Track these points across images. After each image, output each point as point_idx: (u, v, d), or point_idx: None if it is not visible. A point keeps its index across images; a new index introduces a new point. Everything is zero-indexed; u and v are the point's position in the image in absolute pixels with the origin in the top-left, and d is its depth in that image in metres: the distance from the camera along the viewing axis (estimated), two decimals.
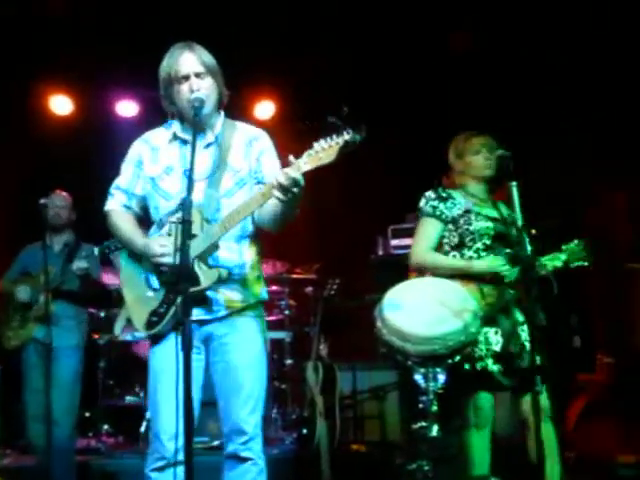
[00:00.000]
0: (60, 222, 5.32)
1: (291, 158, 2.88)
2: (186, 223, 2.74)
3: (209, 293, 3.16)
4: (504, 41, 6.59)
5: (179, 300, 3.04)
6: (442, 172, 6.79)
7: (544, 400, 3.71)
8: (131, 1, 6.65)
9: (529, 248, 3.42)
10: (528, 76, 6.53)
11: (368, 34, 6.97)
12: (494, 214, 3.88)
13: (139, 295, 3.26)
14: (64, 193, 5.42)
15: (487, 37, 6.66)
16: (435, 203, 3.95)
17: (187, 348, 2.68)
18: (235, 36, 6.96)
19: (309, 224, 8.04)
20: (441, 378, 3.38)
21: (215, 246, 3.10)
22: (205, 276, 3.07)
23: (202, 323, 3.20)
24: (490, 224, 3.84)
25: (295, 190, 2.87)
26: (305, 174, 2.86)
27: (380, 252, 7.40)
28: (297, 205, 3.01)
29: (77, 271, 4.99)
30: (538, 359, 3.65)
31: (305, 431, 5.62)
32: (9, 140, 7.14)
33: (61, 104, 7.51)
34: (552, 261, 3.76)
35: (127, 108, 7.49)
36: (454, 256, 3.89)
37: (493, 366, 3.69)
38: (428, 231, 3.95)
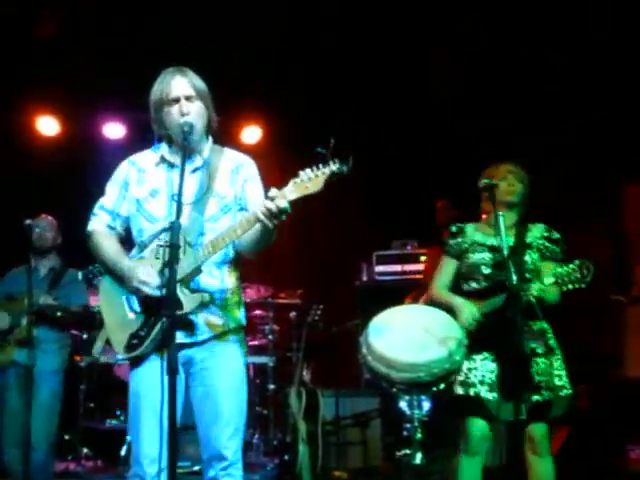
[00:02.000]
0: (45, 245, 5.28)
1: (274, 190, 2.90)
2: (174, 247, 2.75)
3: (192, 317, 3.15)
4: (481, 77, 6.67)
5: (159, 324, 3.04)
6: (428, 198, 6.92)
7: (542, 434, 3.73)
8: (119, 25, 6.68)
9: (514, 277, 3.42)
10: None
11: (354, 59, 7.04)
12: (508, 242, 3.85)
13: (120, 317, 3.23)
14: (49, 217, 5.39)
15: (465, 67, 6.73)
16: (448, 239, 4.05)
17: (172, 372, 2.68)
18: (222, 61, 7.01)
19: (294, 249, 8.08)
20: (426, 406, 3.38)
21: (198, 270, 3.10)
22: (187, 301, 3.06)
23: (182, 347, 3.17)
24: (488, 255, 3.87)
25: (282, 218, 2.90)
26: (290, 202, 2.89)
27: (364, 278, 7.42)
28: (275, 233, 3.04)
29: (42, 306, 4.97)
30: (544, 392, 3.70)
31: (287, 457, 5.59)
32: None
33: (48, 125, 7.51)
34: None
35: (114, 130, 7.50)
36: (463, 288, 3.94)
37: (487, 394, 3.69)
38: (442, 268, 4.07)
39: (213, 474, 3.16)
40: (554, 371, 3.77)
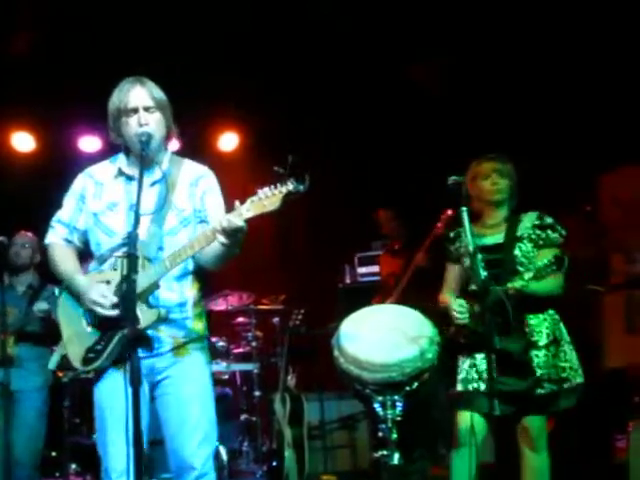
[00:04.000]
0: (20, 262, 5.24)
1: (237, 204, 2.90)
2: (132, 257, 2.73)
3: (150, 332, 3.11)
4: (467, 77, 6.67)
5: (116, 337, 3.03)
6: (406, 200, 6.92)
7: (538, 429, 3.72)
8: (91, 38, 6.66)
9: (483, 273, 3.41)
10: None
11: (332, 65, 7.03)
12: (493, 241, 3.85)
13: (77, 331, 3.20)
14: (29, 234, 5.34)
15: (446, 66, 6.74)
16: (447, 245, 4.04)
17: (135, 384, 2.66)
18: (199, 69, 7.00)
19: (275, 255, 8.07)
20: (399, 405, 3.36)
21: (156, 285, 3.07)
22: (144, 316, 3.02)
23: (141, 358, 3.14)
24: (478, 256, 3.82)
25: (238, 236, 2.90)
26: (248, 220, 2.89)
27: (347, 280, 7.42)
28: (239, 245, 3.01)
29: (37, 312, 4.93)
30: (546, 385, 3.68)
31: (275, 463, 5.56)
32: None
33: (23, 141, 7.48)
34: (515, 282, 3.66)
35: (90, 143, 7.46)
36: (466, 291, 3.90)
37: (486, 389, 3.62)
38: (445, 274, 4.06)
39: None
40: (559, 362, 3.73)
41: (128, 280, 2.72)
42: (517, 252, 3.78)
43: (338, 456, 6.01)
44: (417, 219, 6.58)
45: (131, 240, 2.78)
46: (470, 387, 3.70)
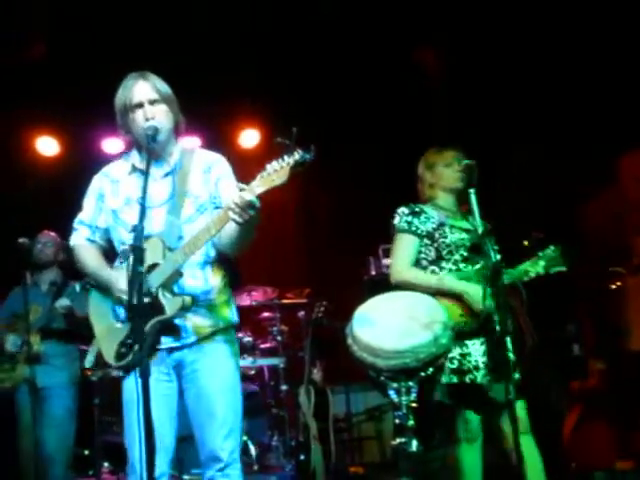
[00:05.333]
0: (45, 259, 5.32)
1: (242, 185, 2.92)
2: (137, 250, 2.75)
3: (177, 321, 3.15)
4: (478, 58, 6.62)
5: (146, 329, 3.04)
6: None
7: (521, 413, 3.68)
8: (111, 38, 6.72)
9: (495, 256, 3.39)
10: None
11: (349, 56, 7.02)
12: (467, 225, 3.87)
13: (108, 327, 3.28)
14: (52, 233, 5.42)
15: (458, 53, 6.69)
16: (409, 218, 3.94)
17: (144, 375, 2.69)
18: (219, 65, 7.03)
19: (299, 249, 8.08)
20: (414, 392, 3.34)
21: (179, 273, 3.11)
22: (169, 305, 3.07)
23: (171, 350, 3.20)
24: (465, 235, 3.84)
25: (251, 212, 2.90)
26: (261, 197, 2.89)
27: (372, 272, 7.39)
28: (253, 227, 3.04)
29: (60, 309, 4.99)
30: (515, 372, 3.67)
31: (302, 457, 5.58)
32: None
33: (47, 145, 7.57)
34: (533, 267, 3.73)
35: (113, 145, 7.51)
36: (432, 270, 3.88)
37: (483, 379, 3.68)
38: (405, 247, 3.95)
39: (210, 475, 3.19)
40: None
41: (135, 273, 2.74)
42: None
43: (365, 448, 6.02)
44: None
45: (136, 233, 2.80)
46: (467, 379, 3.69)
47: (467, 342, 3.71)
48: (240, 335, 6.62)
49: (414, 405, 3.35)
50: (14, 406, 5.21)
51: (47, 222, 5.65)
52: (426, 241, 3.90)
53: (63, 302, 4.98)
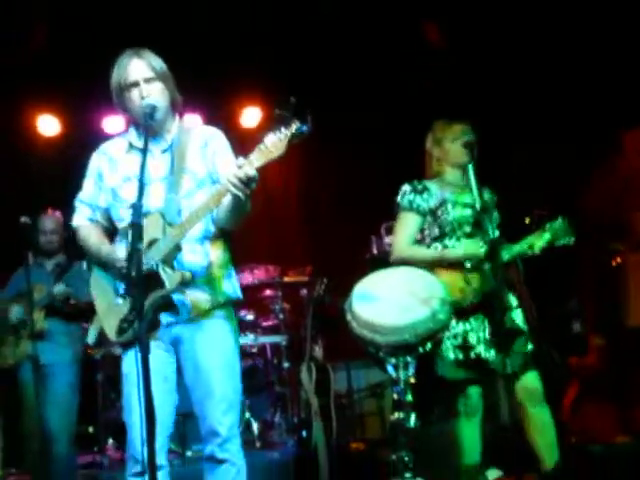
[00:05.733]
0: (52, 249, 5.33)
1: (241, 158, 2.92)
2: (136, 227, 2.77)
3: (176, 296, 3.18)
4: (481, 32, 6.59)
5: (147, 304, 3.06)
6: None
7: (535, 384, 3.73)
8: (111, 17, 6.70)
9: (494, 232, 3.40)
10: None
11: (353, 33, 7.00)
12: (471, 201, 3.84)
13: (109, 304, 3.30)
14: (56, 213, 5.39)
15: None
16: (411, 197, 3.96)
17: (144, 351, 2.71)
18: (219, 44, 7.02)
19: (301, 227, 8.09)
20: (412, 367, 3.37)
21: (178, 248, 3.12)
22: (169, 279, 3.09)
23: (169, 325, 3.23)
24: (468, 211, 3.83)
25: (252, 186, 2.91)
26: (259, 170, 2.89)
27: (375, 250, 7.39)
28: (249, 200, 3.04)
29: (57, 296, 5.02)
30: (528, 344, 3.70)
31: (304, 433, 5.61)
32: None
33: (48, 124, 7.57)
34: (538, 240, 3.74)
35: (114, 124, 7.50)
36: (436, 247, 3.90)
37: (486, 353, 3.70)
38: (407, 225, 3.97)
39: (210, 450, 3.22)
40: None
41: (134, 249, 2.75)
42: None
43: (367, 424, 6.06)
44: None
45: (135, 210, 2.81)
46: (472, 354, 3.72)
47: (470, 318, 3.73)
48: (242, 313, 6.66)
49: (412, 380, 3.38)
50: (17, 382, 5.25)
51: (49, 201, 5.66)
52: (429, 219, 3.93)
53: (59, 288, 5.01)
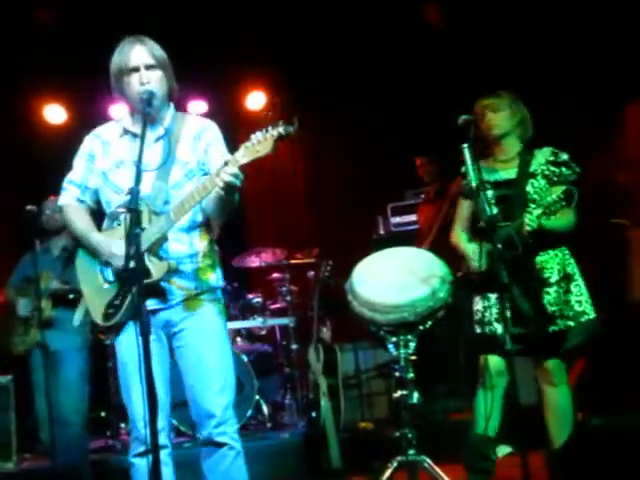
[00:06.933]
0: (54, 225, 5.36)
1: (228, 155, 3.00)
2: (133, 212, 2.80)
3: (163, 284, 3.20)
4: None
5: (134, 290, 3.09)
6: (439, 149, 6.84)
7: (555, 366, 3.75)
8: (117, 4, 6.71)
9: (493, 210, 3.39)
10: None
11: (355, 13, 6.98)
12: (505, 176, 3.86)
13: (96, 288, 3.31)
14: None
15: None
16: (461, 182, 3.97)
17: (145, 334, 2.74)
18: (225, 28, 7.02)
19: (308, 210, 8.12)
20: (412, 345, 3.39)
21: (164, 238, 3.16)
22: (156, 268, 3.12)
23: (157, 312, 3.25)
24: (490, 192, 3.77)
25: (237, 182, 2.96)
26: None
27: (381, 231, 7.42)
28: (236, 194, 3.10)
29: (57, 291, 5.07)
30: (559, 321, 3.70)
31: (314, 414, 5.66)
32: (5, 150, 7.27)
33: (55, 113, 7.61)
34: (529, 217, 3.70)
35: (119, 112, 7.48)
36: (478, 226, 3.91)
37: (502, 331, 3.67)
38: (458, 212, 4.07)
39: (207, 433, 3.23)
40: (571, 298, 3.74)
41: (131, 234, 2.79)
42: (529, 188, 3.77)
43: (375, 404, 6.09)
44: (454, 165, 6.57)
45: (132, 195, 2.84)
46: (487, 330, 3.74)
47: (490, 295, 3.75)
48: (250, 296, 6.71)
49: (413, 358, 3.42)
50: (29, 369, 5.32)
51: (55, 189, 5.70)
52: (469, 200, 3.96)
53: (53, 285, 5.07)
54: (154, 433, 2.71)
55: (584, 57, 6.08)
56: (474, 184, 3.29)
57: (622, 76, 5.61)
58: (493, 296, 3.74)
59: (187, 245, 3.27)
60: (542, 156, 3.85)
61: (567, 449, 3.59)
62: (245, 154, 2.91)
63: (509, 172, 3.86)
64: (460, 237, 3.95)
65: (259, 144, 2.88)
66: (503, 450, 4.73)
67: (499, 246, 3.23)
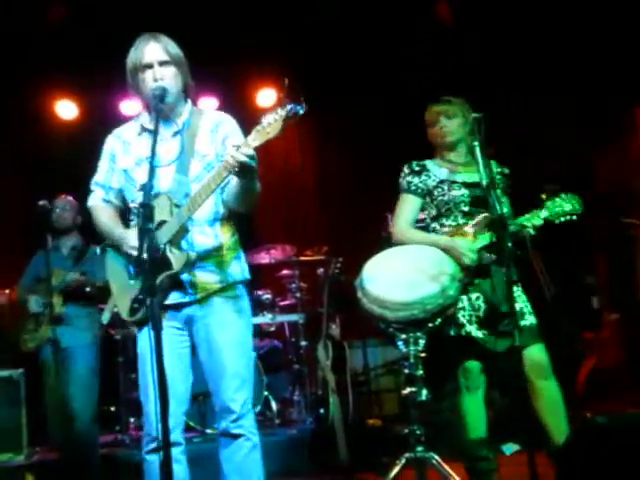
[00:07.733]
0: (64, 224, 5.40)
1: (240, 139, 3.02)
2: (146, 208, 2.82)
3: (185, 277, 3.23)
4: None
5: (156, 284, 3.12)
6: None
7: (541, 358, 3.73)
8: (127, 0, 6.74)
9: (502, 208, 3.40)
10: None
11: (357, 17, 7.00)
12: (474, 178, 3.83)
13: (122, 284, 3.37)
14: (69, 197, 5.49)
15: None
16: (409, 178, 4.00)
17: (156, 328, 2.77)
18: (236, 25, 7.03)
19: (317, 206, 8.13)
20: (421, 342, 3.40)
21: (184, 229, 3.18)
22: (176, 260, 3.15)
23: (180, 306, 3.28)
24: (464, 191, 3.84)
25: (252, 163, 2.95)
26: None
27: (390, 228, 7.41)
28: (255, 181, 3.10)
29: (71, 283, 5.11)
30: (530, 318, 3.71)
31: (322, 410, 5.68)
32: (17, 146, 7.30)
33: (66, 108, 7.65)
34: (530, 220, 3.73)
35: (131, 107, 7.54)
36: (434, 227, 3.93)
37: (478, 332, 3.70)
38: (405, 207, 4.03)
39: (224, 426, 3.28)
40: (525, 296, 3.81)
41: (143, 229, 2.81)
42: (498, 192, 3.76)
43: (384, 400, 6.11)
44: None
45: (145, 191, 2.87)
46: (463, 332, 3.71)
47: (462, 297, 3.69)
48: (260, 292, 6.73)
49: (422, 355, 3.42)
50: (40, 365, 5.36)
51: (67, 185, 5.74)
52: (427, 199, 3.96)
53: (72, 276, 5.11)
54: (165, 432, 2.72)
55: (584, 57, 6.09)
56: (485, 182, 3.29)
57: (622, 76, 5.60)
58: (464, 297, 3.71)
59: (212, 237, 3.30)
60: (494, 166, 3.86)
61: (572, 447, 3.58)
62: (256, 137, 2.91)
63: (472, 175, 3.84)
64: (418, 231, 3.96)
65: (269, 126, 2.89)
66: (510, 448, 4.74)
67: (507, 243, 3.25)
